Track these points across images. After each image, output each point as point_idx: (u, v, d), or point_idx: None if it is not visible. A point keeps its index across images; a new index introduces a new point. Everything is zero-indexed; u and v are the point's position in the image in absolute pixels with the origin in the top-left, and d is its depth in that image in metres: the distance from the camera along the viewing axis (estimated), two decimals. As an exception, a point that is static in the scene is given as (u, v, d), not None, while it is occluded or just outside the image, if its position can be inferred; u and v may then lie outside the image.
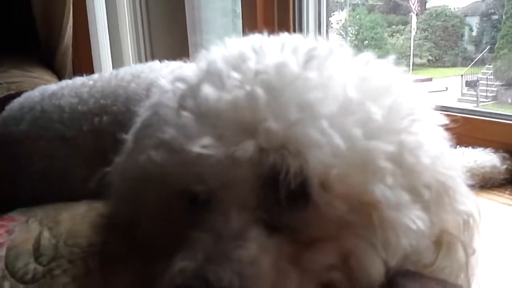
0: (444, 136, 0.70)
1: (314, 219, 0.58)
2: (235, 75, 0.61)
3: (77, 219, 0.84)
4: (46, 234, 0.80)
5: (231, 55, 0.67)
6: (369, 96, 0.61)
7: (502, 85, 2.25)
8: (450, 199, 0.65)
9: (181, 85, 0.68)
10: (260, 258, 0.55)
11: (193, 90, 0.64)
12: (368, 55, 0.70)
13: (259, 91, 0.57)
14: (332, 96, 0.59)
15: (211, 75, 0.63)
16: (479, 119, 1.42)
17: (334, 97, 0.59)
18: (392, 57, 0.70)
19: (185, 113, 0.60)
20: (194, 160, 0.57)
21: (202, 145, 0.56)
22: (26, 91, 1.25)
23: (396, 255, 0.58)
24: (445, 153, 0.68)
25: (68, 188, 1.02)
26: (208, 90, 0.60)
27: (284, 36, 0.74)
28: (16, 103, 1.18)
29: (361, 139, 0.57)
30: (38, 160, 1.05)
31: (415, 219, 0.59)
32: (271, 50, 0.66)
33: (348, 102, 0.59)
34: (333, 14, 2.56)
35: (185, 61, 0.98)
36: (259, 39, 0.73)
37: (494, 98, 2.34)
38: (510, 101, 2.27)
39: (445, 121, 0.70)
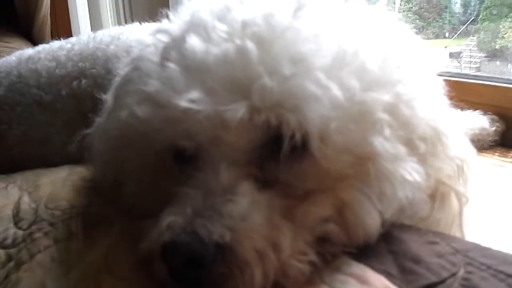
0: (437, 83, 0.69)
1: (310, 172, 0.56)
2: (222, 26, 0.58)
3: (57, 183, 0.82)
4: (25, 199, 0.78)
5: (215, 4, 0.63)
6: (362, 45, 0.58)
7: (485, 57, 2.25)
8: (443, 145, 0.64)
9: (163, 38, 0.64)
10: (252, 213, 0.53)
11: (177, 41, 0.61)
12: (359, 2, 0.67)
13: (250, 45, 0.54)
14: (325, 47, 0.56)
15: (196, 26, 0.60)
16: (468, 82, 1.41)
17: (328, 48, 0.56)
18: (383, 1, 0.67)
19: (170, 65, 0.57)
20: (181, 115, 0.54)
21: (190, 99, 0.53)
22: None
23: (391, 207, 0.57)
24: (438, 99, 0.67)
25: (48, 153, 1.00)
26: (194, 42, 0.57)
27: None
28: (-8, 68, 1.13)
29: (359, 90, 0.55)
30: (16, 126, 1.02)
31: (411, 171, 0.58)
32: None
33: (342, 52, 0.56)
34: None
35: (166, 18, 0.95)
36: None
37: (478, 69, 2.35)
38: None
39: (439, 67, 0.68)
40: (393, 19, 0.67)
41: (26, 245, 0.65)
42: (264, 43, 0.55)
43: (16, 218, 0.72)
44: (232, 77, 0.54)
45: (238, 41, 0.55)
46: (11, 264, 0.62)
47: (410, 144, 0.59)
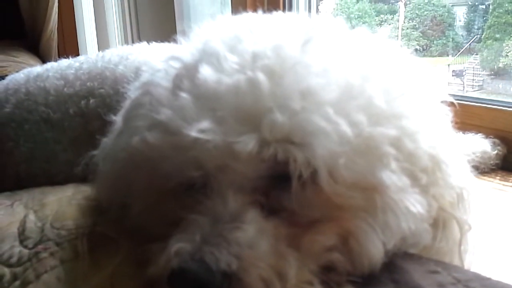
0: (440, 111, 0.69)
1: (316, 201, 0.57)
2: (233, 57, 0.59)
3: (63, 201, 0.82)
4: (31, 217, 0.78)
5: (226, 34, 0.64)
6: (367, 77, 0.59)
7: (488, 75, 2.25)
8: (442, 173, 0.65)
9: (175, 64, 0.65)
10: (258, 241, 0.54)
11: (189, 70, 0.61)
12: (363, 31, 0.69)
13: (261, 77, 0.56)
14: (333, 82, 0.57)
15: (208, 56, 0.61)
16: (470, 104, 1.42)
17: (336, 82, 0.57)
18: (386, 30, 0.69)
19: (182, 94, 0.58)
20: (191, 144, 0.55)
21: (200, 129, 0.54)
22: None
23: (394, 238, 0.58)
24: (439, 128, 0.68)
25: (54, 172, 1.01)
26: (206, 72, 0.58)
27: (277, 14, 0.73)
28: (0, 85, 1.14)
29: (366, 125, 0.56)
30: (23, 143, 1.03)
31: (415, 203, 0.59)
32: (267, 30, 0.64)
33: (350, 87, 0.57)
34: (322, 2, 2.55)
35: (175, 42, 0.96)
36: (253, 18, 0.71)
37: (481, 87, 2.35)
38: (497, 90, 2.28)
39: (444, 93, 0.69)
40: (397, 48, 0.68)
41: (32, 265, 0.65)
42: (274, 75, 0.56)
43: (22, 237, 0.72)
44: (243, 108, 0.55)
45: (249, 73, 0.56)
46: (17, 283, 0.63)
47: (413, 176, 0.60)
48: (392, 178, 0.57)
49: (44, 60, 2.18)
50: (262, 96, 0.55)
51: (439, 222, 0.65)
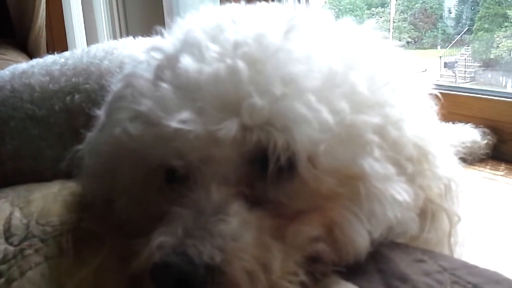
0: (426, 101, 0.69)
1: (299, 192, 0.57)
2: (214, 46, 0.59)
3: (49, 198, 0.82)
4: (17, 214, 0.78)
5: (208, 24, 0.64)
6: (351, 66, 0.59)
7: (480, 66, 2.26)
8: (430, 164, 0.64)
9: (157, 55, 0.65)
10: (242, 233, 0.53)
11: (170, 60, 0.61)
12: (348, 22, 0.68)
13: (241, 65, 0.55)
14: (316, 69, 0.57)
15: (189, 46, 0.61)
16: (460, 95, 1.42)
17: (319, 70, 0.57)
18: (371, 22, 0.68)
19: (163, 85, 0.58)
20: (172, 135, 0.55)
21: (181, 120, 0.54)
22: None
23: (380, 227, 0.57)
24: (425, 118, 0.68)
25: (40, 168, 1.00)
26: (187, 62, 0.58)
27: (261, 5, 0.72)
28: (-15, 82, 1.13)
29: (349, 113, 0.56)
30: (8, 141, 1.02)
31: (401, 191, 0.58)
32: (250, 20, 0.64)
33: (332, 74, 0.57)
34: (312, -4, 2.55)
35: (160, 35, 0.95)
36: (236, 8, 0.70)
37: (472, 79, 2.36)
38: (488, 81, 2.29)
39: (429, 84, 0.69)
40: (382, 38, 0.68)
41: (17, 262, 0.65)
42: (255, 63, 0.56)
43: (7, 234, 0.72)
44: (223, 96, 0.55)
45: (229, 61, 0.56)
46: (2, 280, 0.62)
47: (398, 164, 0.60)
48: (375, 166, 0.56)
49: (32, 57, 2.15)
50: (242, 83, 0.54)
51: (427, 212, 0.65)
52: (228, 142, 0.54)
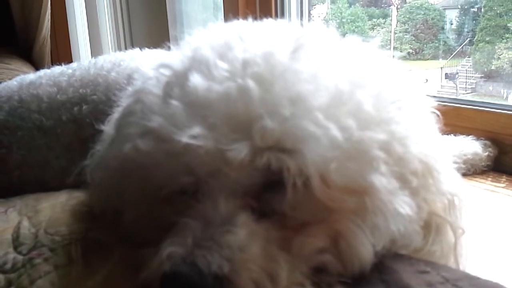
0: (429, 119, 0.71)
1: (306, 204, 0.58)
2: (223, 64, 0.60)
3: (57, 208, 0.83)
4: (25, 223, 0.79)
5: (216, 41, 0.65)
6: (357, 84, 0.60)
7: (481, 77, 2.26)
8: (434, 180, 0.66)
9: (166, 72, 0.66)
10: (249, 243, 0.55)
11: (179, 78, 0.62)
12: (354, 40, 0.69)
13: (251, 85, 0.56)
14: (323, 88, 0.58)
15: (198, 63, 0.62)
16: (461, 107, 1.43)
17: (325, 88, 0.58)
18: (377, 40, 0.69)
19: (173, 102, 0.59)
20: (182, 150, 0.55)
21: (192, 135, 0.55)
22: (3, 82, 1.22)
23: (383, 240, 0.58)
24: (430, 135, 0.69)
25: (47, 178, 1.01)
26: (196, 80, 0.59)
27: (268, 21, 0.73)
28: (-7, 92, 1.15)
29: (356, 129, 0.57)
30: (16, 150, 1.03)
31: (404, 205, 0.59)
32: (257, 37, 0.65)
33: (339, 93, 0.58)
34: (314, 7, 2.56)
35: (167, 49, 0.97)
36: (244, 25, 0.72)
37: (473, 90, 2.36)
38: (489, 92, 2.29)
39: (432, 102, 0.70)
40: (386, 56, 0.69)
41: (27, 271, 0.66)
42: (264, 82, 0.57)
43: (16, 243, 0.73)
44: (234, 115, 0.56)
45: (239, 80, 0.57)
46: (11, 289, 0.63)
47: (402, 179, 0.61)
48: (382, 181, 0.57)
49: (37, 67, 2.17)
50: (253, 103, 0.55)
51: (431, 225, 0.66)
52: (237, 163, 0.55)
